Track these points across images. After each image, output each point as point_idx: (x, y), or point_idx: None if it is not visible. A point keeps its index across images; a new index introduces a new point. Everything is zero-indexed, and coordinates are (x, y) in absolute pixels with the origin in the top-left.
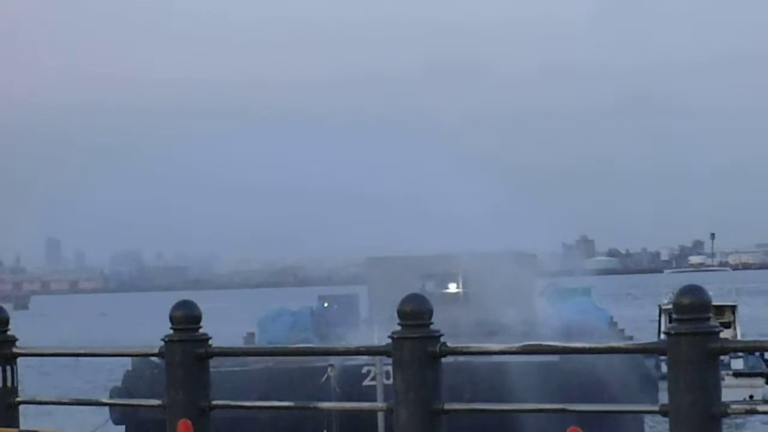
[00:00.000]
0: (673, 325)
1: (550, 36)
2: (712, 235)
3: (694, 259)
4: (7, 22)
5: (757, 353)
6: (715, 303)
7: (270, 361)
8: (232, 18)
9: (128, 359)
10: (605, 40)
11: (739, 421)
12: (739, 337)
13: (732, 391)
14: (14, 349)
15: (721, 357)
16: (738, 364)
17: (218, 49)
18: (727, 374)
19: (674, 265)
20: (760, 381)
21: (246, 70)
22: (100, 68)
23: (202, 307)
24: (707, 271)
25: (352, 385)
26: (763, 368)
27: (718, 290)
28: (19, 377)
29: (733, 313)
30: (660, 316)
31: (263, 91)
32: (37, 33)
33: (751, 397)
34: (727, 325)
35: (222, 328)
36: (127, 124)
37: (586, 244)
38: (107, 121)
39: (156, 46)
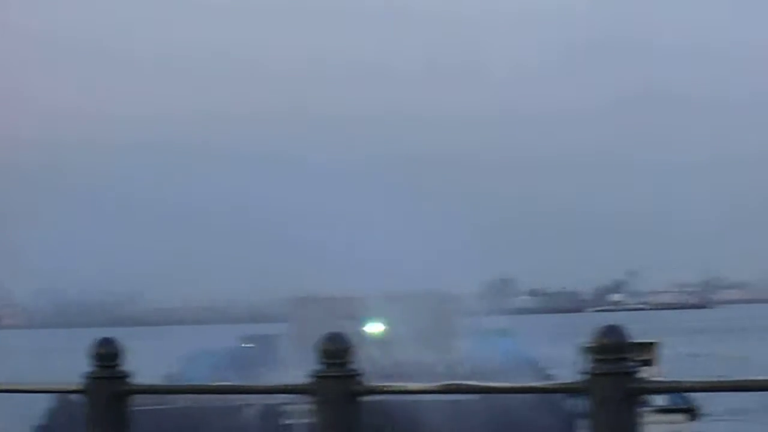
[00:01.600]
0: (592, 364)
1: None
2: (633, 274)
3: (615, 298)
4: None
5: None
6: (636, 340)
7: (190, 400)
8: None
9: (50, 397)
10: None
11: None
12: (661, 375)
13: (655, 427)
14: None
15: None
16: (660, 399)
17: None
18: (651, 410)
19: (594, 304)
20: (681, 417)
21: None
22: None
23: (125, 344)
24: (625, 310)
25: (272, 424)
26: (685, 404)
27: (640, 329)
28: None
29: (655, 350)
30: (581, 355)
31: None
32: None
33: None
34: (648, 363)
35: (143, 366)
36: (52, 159)
37: (507, 284)
38: (33, 154)
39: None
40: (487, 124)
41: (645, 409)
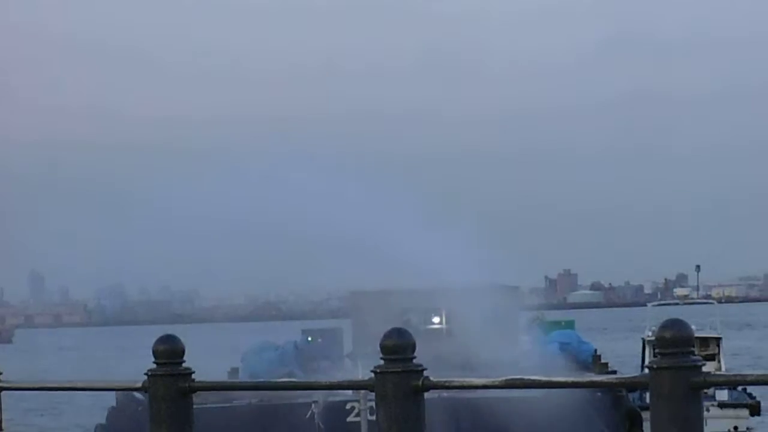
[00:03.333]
0: (655, 359)
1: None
2: (698, 267)
3: (680, 291)
4: None
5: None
6: (699, 335)
7: (254, 398)
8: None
9: (112, 395)
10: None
11: None
12: (723, 369)
13: (717, 422)
14: None
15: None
16: (723, 395)
17: (196, 86)
18: (712, 405)
19: (658, 297)
20: (745, 412)
21: (225, 106)
22: (81, 101)
23: (186, 341)
24: (692, 304)
25: (337, 422)
26: (747, 400)
27: (702, 323)
28: (2, 411)
29: (718, 345)
30: (644, 349)
31: (243, 127)
32: (7, 66)
33: (735, 428)
34: (711, 358)
35: (205, 362)
36: (107, 160)
37: (569, 278)
38: (85, 156)
39: (137, 82)
40: (534, 118)
41: (707, 404)
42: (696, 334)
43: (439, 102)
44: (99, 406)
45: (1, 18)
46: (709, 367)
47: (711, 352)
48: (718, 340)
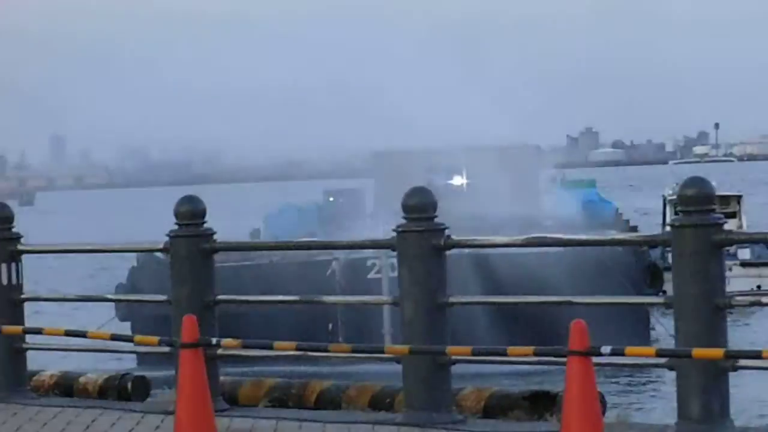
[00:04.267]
0: (677, 216)
1: None
2: (716, 125)
3: (699, 150)
4: None
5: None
6: (720, 193)
7: (275, 257)
8: None
9: (133, 255)
10: None
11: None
12: (744, 228)
13: (740, 281)
14: (19, 246)
15: (728, 248)
16: (745, 254)
17: None
18: (735, 264)
19: (679, 156)
20: (766, 270)
21: None
22: None
23: (207, 201)
24: (712, 161)
25: (357, 279)
26: None
27: (723, 181)
28: (24, 275)
29: (739, 203)
30: (664, 207)
31: None
32: None
33: (758, 287)
34: (732, 215)
35: (228, 223)
36: (125, 28)
37: (591, 136)
38: (103, 23)
39: None
40: None
41: (730, 263)
42: (716, 193)
43: None
44: (124, 266)
45: None
46: (730, 225)
47: (732, 210)
48: (738, 197)
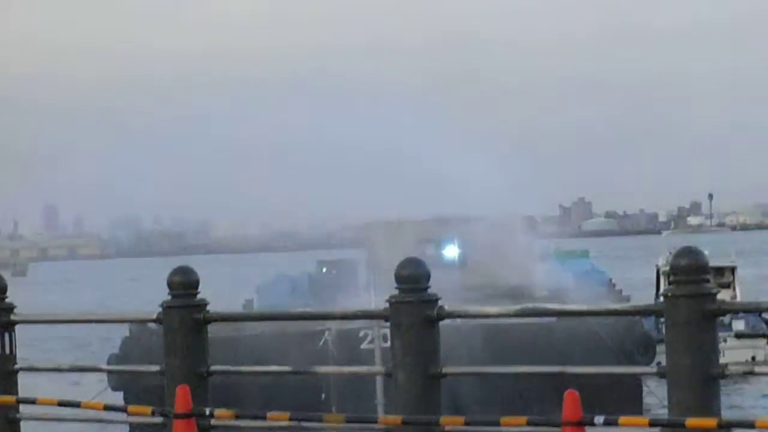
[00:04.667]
0: (670, 287)
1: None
2: (710, 196)
3: (693, 220)
4: None
5: (757, 314)
6: (714, 264)
7: (267, 327)
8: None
9: (126, 326)
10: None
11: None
12: (738, 298)
13: (735, 352)
14: (12, 317)
15: (723, 318)
16: (740, 325)
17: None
18: (729, 336)
19: (672, 226)
20: (762, 342)
21: (219, 40)
22: (74, 39)
23: (200, 272)
24: (706, 232)
25: (350, 349)
26: (765, 329)
27: (717, 251)
28: (17, 346)
29: (733, 274)
30: (658, 277)
31: (243, 57)
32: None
33: (753, 358)
34: (727, 286)
35: (220, 294)
36: (114, 94)
37: (584, 206)
38: (94, 91)
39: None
40: (545, 51)
41: (725, 334)
42: (710, 263)
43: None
44: (117, 336)
45: None
46: (724, 295)
47: (726, 281)
48: (733, 268)
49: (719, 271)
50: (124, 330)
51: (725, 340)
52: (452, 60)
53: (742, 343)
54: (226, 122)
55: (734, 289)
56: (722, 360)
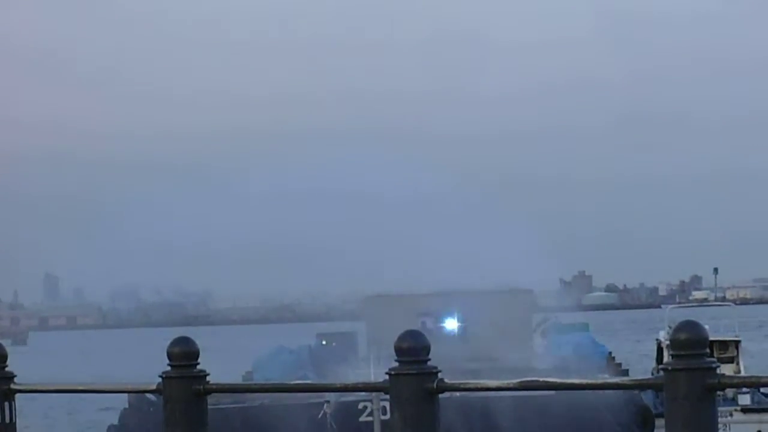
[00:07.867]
0: (670, 360)
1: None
2: (716, 270)
3: (698, 294)
4: None
5: (761, 388)
6: (718, 338)
7: (267, 398)
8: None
9: (125, 396)
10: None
11: None
12: (742, 372)
13: (741, 427)
14: (12, 386)
15: (729, 393)
16: (745, 399)
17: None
18: (735, 410)
19: (676, 300)
20: (767, 416)
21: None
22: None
23: (200, 344)
24: (709, 305)
25: (349, 422)
26: None
27: (719, 325)
28: (17, 415)
29: (737, 348)
30: (658, 351)
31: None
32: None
33: None
34: (730, 360)
35: (220, 366)
36: (124, 175)
37: (584, 280)
38: (99, 171)
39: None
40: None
41: (731, 409)
42: (714, 337)
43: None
44: (115, 407)
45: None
46: (727, 369)
47: (730, 355)
48: (737, 342)
49: (723, 345)
50: (123, 400)
51: (731, 414)
52: (439, 112)
53: (748, 418)
54: (223, 196)
55: (738, 364)
56: None
